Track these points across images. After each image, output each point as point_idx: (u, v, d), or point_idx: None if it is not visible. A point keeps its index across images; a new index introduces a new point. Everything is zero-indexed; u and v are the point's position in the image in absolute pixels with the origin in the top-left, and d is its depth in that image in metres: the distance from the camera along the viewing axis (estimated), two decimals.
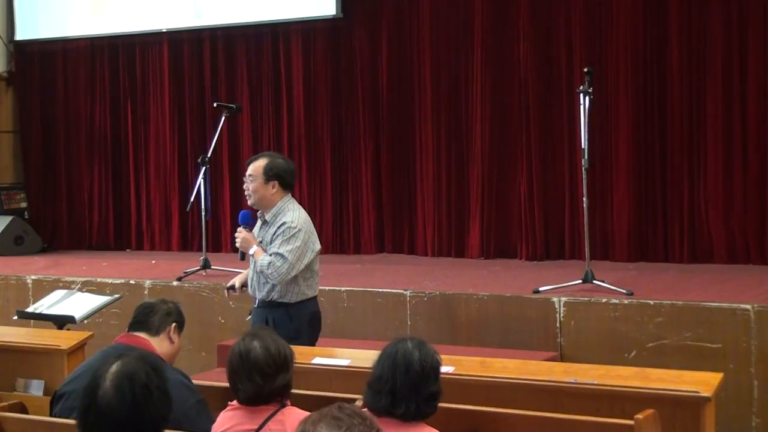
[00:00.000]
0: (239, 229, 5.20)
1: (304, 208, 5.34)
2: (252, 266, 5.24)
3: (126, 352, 2.90)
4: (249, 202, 5.25)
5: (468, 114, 8.23)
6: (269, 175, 5.13)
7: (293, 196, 5.31)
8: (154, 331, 4.07)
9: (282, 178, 5.15)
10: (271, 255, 5.07)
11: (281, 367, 3.45)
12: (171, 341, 4.10)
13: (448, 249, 8.31)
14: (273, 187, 5.13)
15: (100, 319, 6.91)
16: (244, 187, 5.23)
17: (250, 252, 5.16)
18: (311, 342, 5.21)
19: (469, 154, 8.22)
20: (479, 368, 4.13)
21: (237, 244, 5.23)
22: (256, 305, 5.31)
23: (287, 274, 5.05)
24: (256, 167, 5.17)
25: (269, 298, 5.17)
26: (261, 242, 5.17)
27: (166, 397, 2.74)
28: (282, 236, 5.06)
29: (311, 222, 5.25)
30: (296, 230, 5.05)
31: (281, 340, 3.54)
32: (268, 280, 5.11)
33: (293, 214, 5.12)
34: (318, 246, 5.22)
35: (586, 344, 5.96)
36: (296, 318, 5.15)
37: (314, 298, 5.27)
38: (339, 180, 8.81)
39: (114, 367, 2.71)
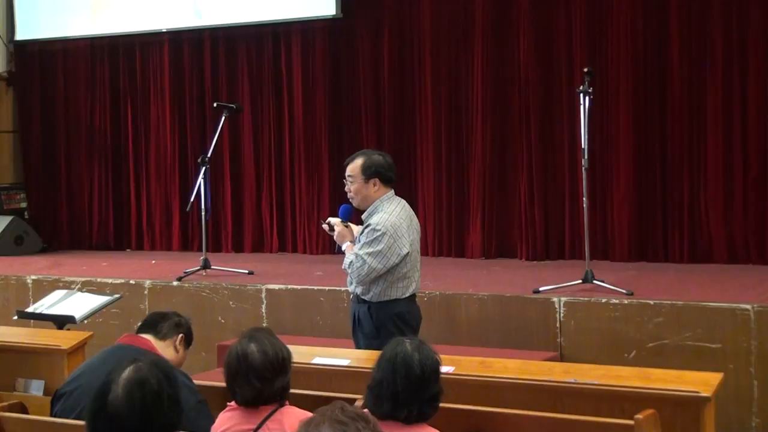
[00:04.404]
0: (337, 221, 5.12)
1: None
2: None
3: (139, 357, 2.85)
4: (354, 204, 5.10)
5: (468, 114, 8.23)
6: (368, 173, 4.97)
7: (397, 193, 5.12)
8: (161, 336, 4.08)
9: (381, 174, 4.98)
10: (354, 255, 4.97)
11: (280, 371, 3.44)
12: (176, 350, 4.10)
13: (449, 249, 8.31)
14: (374, 185, 4.98)
15: (100, 319, 6.90)
16: (346, 189, 5.08)
17: (343, 247, 5.08)
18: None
19: (469, 154, 8.22)
20: (479, 368, 4.12)
21: (334, 237, 5.15)
22: (351, 298, 5.24)
23: (366, 276, 4.91)
24: (354, 167, 5.00)
25: (355, 293, 5.09)
26: (357, 239, 5.06)
27: (176, 405, 2.71)
28: (365, 237, 4.93)
29: (408, 222, 4.98)
30: (379, 234, 4.86)
31: (278, 342, 3.51)
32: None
33: (382, 215, 4.92)
34: (405, 250, 4.89)
35: (586, 344, 5.96)
36: (377, 317, 4.97)
37: (401, 299, 4.99)
38: (339, 180, 8.70)
39: (126, 373, 2.68)
